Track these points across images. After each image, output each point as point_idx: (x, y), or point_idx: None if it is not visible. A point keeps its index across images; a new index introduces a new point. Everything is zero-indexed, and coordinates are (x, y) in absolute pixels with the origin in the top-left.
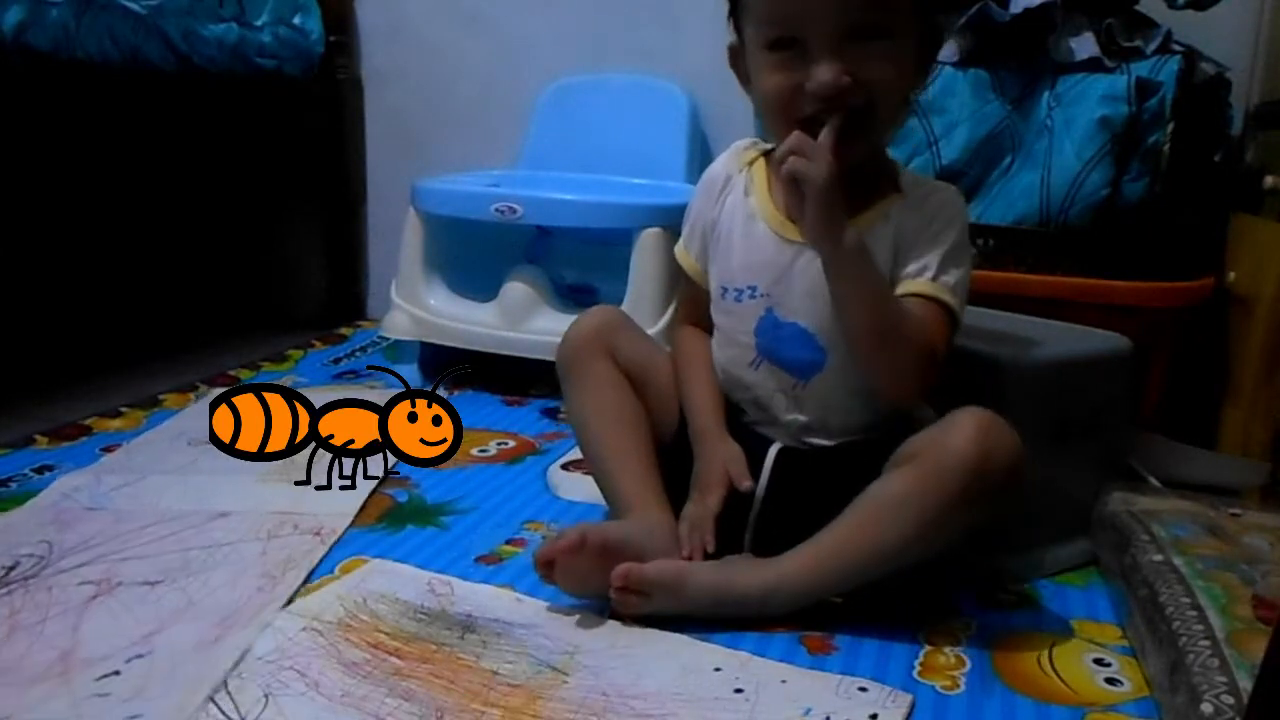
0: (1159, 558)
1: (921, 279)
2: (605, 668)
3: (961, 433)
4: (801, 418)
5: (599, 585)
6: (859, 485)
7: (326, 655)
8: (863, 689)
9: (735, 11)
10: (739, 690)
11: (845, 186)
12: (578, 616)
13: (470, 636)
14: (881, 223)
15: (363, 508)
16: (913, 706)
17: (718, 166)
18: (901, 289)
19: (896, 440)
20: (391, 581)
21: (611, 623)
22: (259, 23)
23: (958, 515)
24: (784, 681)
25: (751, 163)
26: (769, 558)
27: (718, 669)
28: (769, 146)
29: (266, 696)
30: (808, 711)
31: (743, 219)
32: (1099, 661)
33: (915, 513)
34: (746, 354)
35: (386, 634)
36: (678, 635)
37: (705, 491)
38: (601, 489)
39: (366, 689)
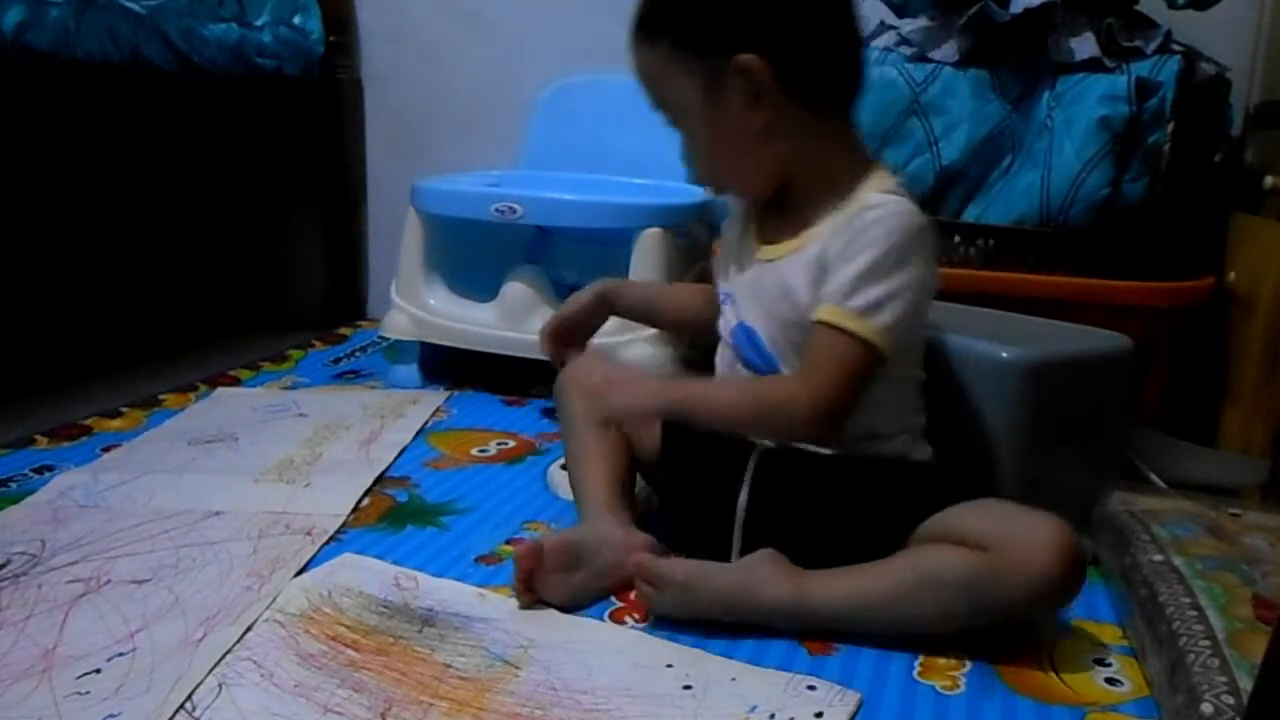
0: (1159, 558)
1: (828, 303)
2: (557, 662)
3: (1046, 549)
4: None
5: (575, 592)
6: (845, 495)
7: (285, 646)
8: (811, 687)
9: None
10: (687, 687)
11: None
12: (538, 612)
13: (429, 630)
14: (796, 253)
15: (362, 508)
16: (859, 705)
17: None
18: (814, 315)
19: (885, 461)
20: (358, 575)
21: (569, 618)
22: (259, 23)
23: (1008, 615)
24: (734, 679)
25: None
26: (790, 569)
27: (670, 665)
28: None
29: (221, 686)
30: (753, 709)
31: (741, 234)
32: (1099, 661)
33: (970, 603)
34: (730, 354)
35: (347, 626)
36: (634, 631)
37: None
38: (574, 490)
39: (319, 680)
